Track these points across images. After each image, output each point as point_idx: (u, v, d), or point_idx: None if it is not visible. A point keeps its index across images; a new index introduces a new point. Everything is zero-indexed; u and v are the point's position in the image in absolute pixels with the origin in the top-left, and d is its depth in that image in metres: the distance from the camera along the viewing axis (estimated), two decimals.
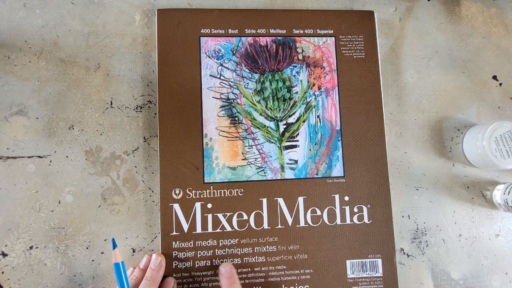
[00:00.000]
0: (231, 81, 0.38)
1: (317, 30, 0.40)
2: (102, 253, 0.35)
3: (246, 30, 0.39)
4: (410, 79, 0.42)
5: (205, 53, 0.38)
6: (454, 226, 0.39)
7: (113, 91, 0.38)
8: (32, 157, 0.36)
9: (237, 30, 0.39)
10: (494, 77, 0.43)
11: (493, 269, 0.39)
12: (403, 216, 0.39)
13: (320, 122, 0.39)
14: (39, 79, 0.37)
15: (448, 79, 0.42)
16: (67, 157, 0.36)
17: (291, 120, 0.38)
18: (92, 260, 0.35)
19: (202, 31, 0.39)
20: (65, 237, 0.35)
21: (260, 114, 0.38)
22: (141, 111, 0.38)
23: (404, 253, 0.39)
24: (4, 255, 0.34)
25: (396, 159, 0.40)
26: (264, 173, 0.38)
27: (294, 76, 0.39)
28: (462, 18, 0.44)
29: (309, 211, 0.37)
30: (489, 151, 0.37)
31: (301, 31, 0.40)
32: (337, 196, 0.38)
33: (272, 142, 0.38)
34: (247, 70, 0.39)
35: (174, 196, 0.36)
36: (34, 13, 0.38)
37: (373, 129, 0.39)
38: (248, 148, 0.38)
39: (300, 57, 0.39)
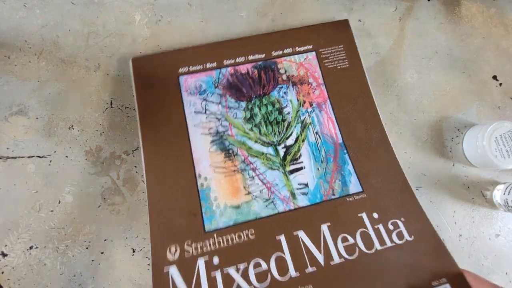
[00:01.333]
0: (218, 114, 0.36)
1: (296, 48, 0.39)
2: (102, 253, 0.35)
3: (224, 61, 0.38)
4: (410, 79, 0.42)
5: (186, 91, 0.37)
6: (454, 226, 0.39)
7: (113, 91, 0.38)
8: (32, 157, 0.36)
9: (215, 63, 0.38)
10: (494, 77, 0.43)
11: (493, 269, 0.39)
12: None
13: (320, 138, 0.37)
14: (39, 79, 0.37)
15: (448, 79, 0.42)
16: (67, 157, 0.36)
17: (289, 141, 0.36)
18: (92, 260, 0.35)
19: (180, 70, 0.37)
20: (65, 237, 0.35)
21: (256, 142, 0.36)
22: None
23: None
24: (4, 255, 0.34)
25: None
26: (274, 205, 0.33)
27: (282, 97, 0.38)
28: (462, 18, 0.44)
29: (339, 240, 0.31)
30: (489, 151, 0.37)
31: (280, 52, 0.39)
32: (364, 215, 0.33)
33: (275, 169, 0.35)
34: (232, 100, 0.37)
35: (170, 257, 0.29)
36: (34, 13, 0.38)
37: (376, 135, 0.37)
38: (250, 180, 0.34)
39: (285, 77, 0.38)
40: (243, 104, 0.37)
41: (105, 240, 0.36)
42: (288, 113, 0.37)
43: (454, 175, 0.40)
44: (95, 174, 0.37)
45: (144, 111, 0.35)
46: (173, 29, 0.41)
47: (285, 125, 0.37)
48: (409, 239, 0.32)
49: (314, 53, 0.39)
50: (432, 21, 0.43)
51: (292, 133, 0.37)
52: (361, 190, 0.34)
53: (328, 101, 0.38)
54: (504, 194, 0.38)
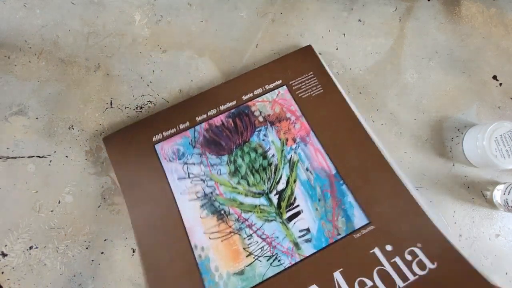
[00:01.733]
0: (202, 175, 0.34)
1: (265, 86, 0.37)
2: (102, 253, 0.35)
3: (196, 118, 0.36)
4: (410, 79, 0.42)
5: (165, 159, 0.35)
6: (454, 226, 0.39)
7: (113, 91, 0.38)
8: (32, 157, 0.36)
9: (188, 123, 0.36)
10: (494, 77, 0.43)
11: (493, 269, 0.39)
12: None
13: (312, 174, 0.34)
14: (39, 79, 0.37)
15: (448, 79, 0.42)
16: (67, 157, 0.36)
17: (281, 186, 0.34)
18: (92, 260, 0.35)
19: (154, 138, 0.35)
20: (65, 237, 0.35)
21: (246, 195, 0.33)
22: (141, 111, 0.38)
23: None
24: (4, 255, 0.34)
25: (396, 159, 0.40)
26: (279, 261, 0.31)
27: (263, 140, 0.35)
28: (462, 18, 0.44)
29: (356, 287, 0.28)
30: (489, 151, 0.37)
31: (251, 95, 0.37)
32: (377, 250, 0.30)
33: (272, 220, 0.32)
34: (213, 157, 0.35)
35: None
36: (34, 13, 0.38)
37: (371, 156, 0.34)
38: (248, 240, 0.32)
39: (261, 119, 0.36)
40: (225, 158, 0.35)
41: (105, 240, 0.36)
42: (273, 155, 0.35)
43: (454, 175, 0.40)
44: (95, 174, 0.37)
45: (128, 191, 0.34)
46: (173, 29, 0.41)
47: (273, 169, 0.34)
48: (432, 266, 0.29)
49: (285, 87, 0.37)
50: (432, 21, 0.43)
51: (281, 176, 0.34)
52: (368, 221, 0.31)
53: (311, 132, 0.35)
54: (504, 194, 0.38)
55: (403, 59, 0.42)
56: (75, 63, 0.38)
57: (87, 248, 0.35)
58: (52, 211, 0.35)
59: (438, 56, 0.43)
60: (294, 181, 0.34)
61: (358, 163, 0.34)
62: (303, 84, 0.37)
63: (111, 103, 0.38)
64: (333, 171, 0.34)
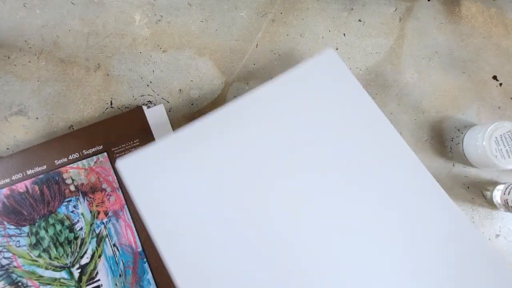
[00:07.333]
0: None
1: (83, 151, 0.34)
2: None
3: None
4: (410, 79, 0.42)
5: None
6: None
7: (113, 91, 0.38)
8: None
9: None
10: (494, 77, 0.43)
11: None
12: None
13: (118, 250, 0.33)
14: (39, 79, 0.37)
15: (448, 79, 0.42)
16: None
17: (84, 260, 0.33)
18: None
19: None
20: None
21: (46, 268, 0.32)
22: None
23: None
24: None
25: None
26: None
27: (72, 212, 0.33)
28: (462, 18, 0.44)
29: None
30: (489, 151, 0.37)
31: (65, 160, 0.34)
32: None
33: None
34: (12, 227, 0.32)
35: None
36: (34, 13, 0.38)
37: None
38: None
39: (72, 188, 0.33)
40: (26, 229, 0.32)
41: None
42: (81, 228, 0.33)
43: (454, 175, 0.40)
44: None
45: None
46: (173, 29, 0.41)
47: (79, 243, 0.33)
48: None
49: (105, 154, 0.34)
50: (432, 21, 0.43)
51: (87, 250, 0.33)
52: None
53: (125, 206, 0.34)
54: (504, 194, 0.38)
55: (403, 59, 0.42)
56: (75, 63, 0.38)
57: None
58: None
59: (438, 56, 0.43)
60: (99, 256, 0.33)
61: None
62: (125, 152, 0.34)
63: (111, 103, 0.38)
64: (139, 249, 0.33)
